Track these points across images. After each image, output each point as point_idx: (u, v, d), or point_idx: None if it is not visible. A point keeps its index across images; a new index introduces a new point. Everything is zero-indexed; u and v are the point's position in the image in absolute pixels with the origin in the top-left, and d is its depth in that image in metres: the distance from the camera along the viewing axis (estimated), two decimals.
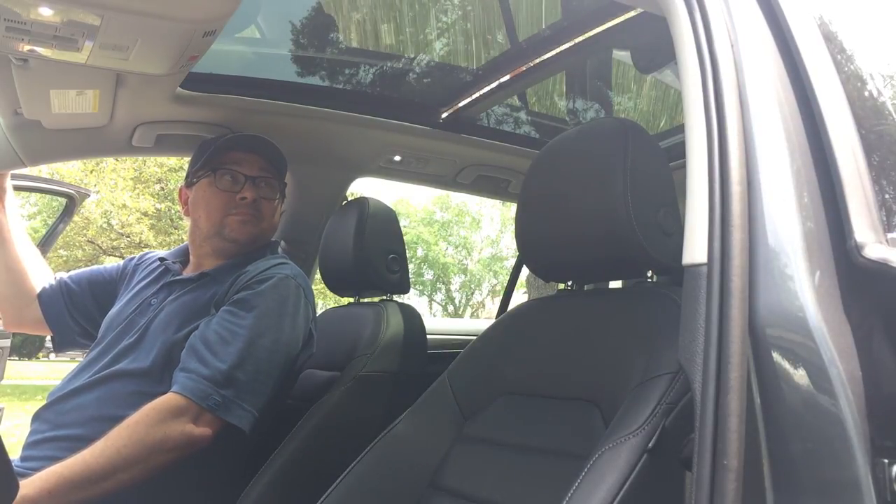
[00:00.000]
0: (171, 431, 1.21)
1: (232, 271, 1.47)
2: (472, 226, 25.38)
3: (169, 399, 1.24)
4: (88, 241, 13.19)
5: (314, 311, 1.51)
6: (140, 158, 11.08)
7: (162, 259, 1.61)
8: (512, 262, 5.44)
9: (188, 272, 1.55)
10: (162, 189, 12.65)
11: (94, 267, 1.74)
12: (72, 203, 2.66)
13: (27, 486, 1.10)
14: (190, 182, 1.56)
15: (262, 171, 1.54)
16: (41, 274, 1.67)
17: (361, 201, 1.72)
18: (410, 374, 1.57)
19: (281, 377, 1.37)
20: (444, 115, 1.94)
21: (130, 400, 1.30)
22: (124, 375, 1.35)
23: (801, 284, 0.67)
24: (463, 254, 25.25)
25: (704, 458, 0.63)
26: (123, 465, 1.17)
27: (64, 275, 1.70)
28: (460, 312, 24.68)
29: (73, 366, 1.48)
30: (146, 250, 2.10)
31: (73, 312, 1.64)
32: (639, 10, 1.38)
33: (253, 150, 1.54)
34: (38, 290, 1.65)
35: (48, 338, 1.72)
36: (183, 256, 1.61)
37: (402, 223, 2.16)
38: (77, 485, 1.14)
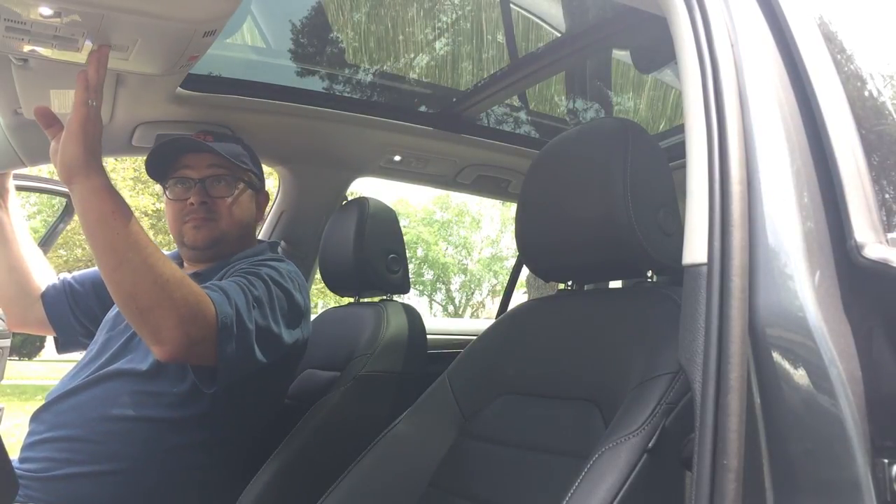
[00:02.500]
0: (187, 318, 1.14)
1: (224, 266, 1.44)
2: (472, 226, 25.36)
3: (207, 304, 1.18)
4: None
5: (308, 301, 1.47)
6: (140, 158, 11.07)
7: None
8: (512, 262, 5.44)
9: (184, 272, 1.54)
10: (161, 189, 12.62)
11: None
12: (72, 203, 2.65)
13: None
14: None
15: (212, 167, 1.47)
16: (44, 274, 1.67)
17: (361, 201, 1.72)
18: (410, 374, 1.57)
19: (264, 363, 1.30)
20: (444, 115, 1.94)
21: (128, 399, 1.30)
22: (122, 375, 1.34)
23: (801, 284, 0.67)
24: (463, 254, 25.23)
25: (704, 458, 0.63)
26: (149, 268, 1.13)
27: (67, 275, 1.69)
28: (460, 312, 24.66)
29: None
30: None
31: (77, 313, 1.64)
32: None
33: (200, 149, 1.47)
34: (41, 290, 1.64)
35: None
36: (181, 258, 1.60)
37: (402, 223, 2.15)
38: (127, 232, 1.14)
